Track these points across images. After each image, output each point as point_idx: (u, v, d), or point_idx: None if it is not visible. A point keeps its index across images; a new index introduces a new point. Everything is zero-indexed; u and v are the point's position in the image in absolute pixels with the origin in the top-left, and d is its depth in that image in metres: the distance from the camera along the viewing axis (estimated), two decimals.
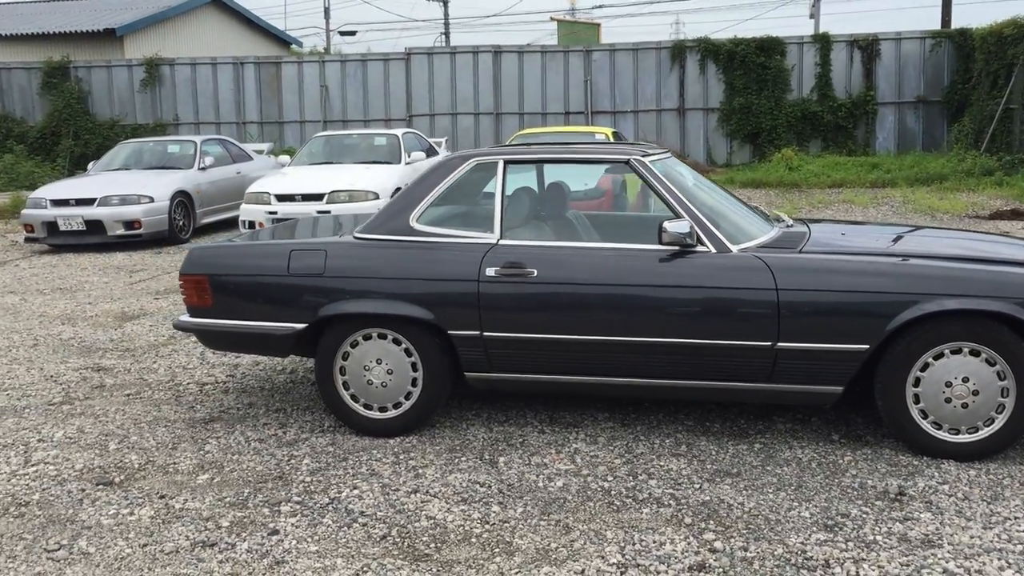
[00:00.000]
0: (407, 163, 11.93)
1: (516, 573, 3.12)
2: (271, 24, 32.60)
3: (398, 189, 11.21)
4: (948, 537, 3.30)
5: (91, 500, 3.81)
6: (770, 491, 3.72)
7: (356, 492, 3.80)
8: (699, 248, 4.12)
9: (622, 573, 3.10)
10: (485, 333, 4.22)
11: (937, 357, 3.93)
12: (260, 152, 14.95)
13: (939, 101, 21.01)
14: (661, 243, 4.08)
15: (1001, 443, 3.93)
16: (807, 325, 3.97)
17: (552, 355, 4.21)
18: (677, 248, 4.12)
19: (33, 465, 4.20)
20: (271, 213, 10.72)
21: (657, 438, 4.32)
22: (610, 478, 3.89)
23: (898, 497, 3.65)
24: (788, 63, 21.10)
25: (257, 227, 10.76)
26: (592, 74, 21.51)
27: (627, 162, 4.36)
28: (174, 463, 4.19)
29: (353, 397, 4.43)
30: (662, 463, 4.03)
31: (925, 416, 3.98)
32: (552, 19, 29.96)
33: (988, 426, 3.94)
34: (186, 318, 4.62)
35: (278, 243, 4.63)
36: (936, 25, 24.58)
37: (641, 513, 3.55)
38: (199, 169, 12.76)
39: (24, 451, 4.37)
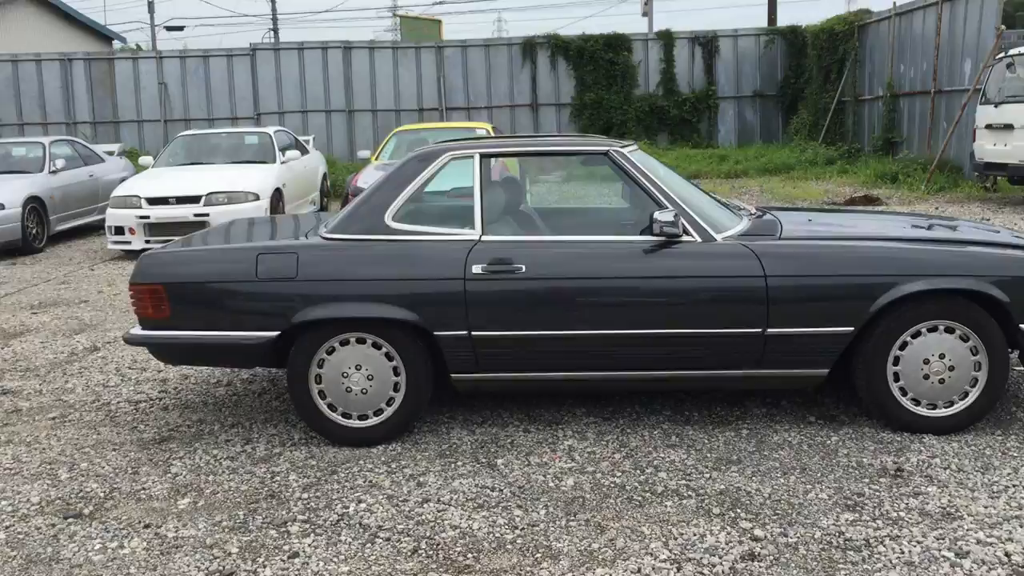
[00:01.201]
0: (282, 162, 11.51)
1: None
2: (92, 19, 30.81)
3: (278, 191, 10.82)
4: (963, 509, 3.42)
5: (68, 536, 3.45)
6: (778, 476, 3.77)
7: (363, 506, 3.60)
8: (685, 238, 4.13)
9: (678, 569, 3.05)
10: (473, 333, 4.08)
11: (915, 336, 4.08)
12: (111, 153, 14.09)
13: (774, 95, 22.06)
14: (653, 234, 4.06)
15: (975, 415, 4.12)
16: (795, 311, 4.04)
17: (542, 352, 4.12)
18: (663, 239, 4.11)
19: None
20: (142, 218, 10.15)
21: (644, 430, 4.31)
22: (618, 473, 3.84)
23: (898, 473, 3.76)
24: (635, 59, 21.65)
25: (128, 233, 10.16)
26: (445, 70, 21.42)
27: (606, 153, 4.32)
28: (143, 488, 3.86)
29: (331, 406, 4.20)
30: (661, 455, 4.02)
31: (904, 393, 4.13)
32: (395, 15, 29.63)
33: (962, 399, 4.12)
34: (138, 331, 4.27)
35: (242, 247, 4.34)
36: (763, 21, 25.76)
37: (665, 507, 3.52)
38: (50, 173, 11.90)
39: None
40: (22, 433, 4.60)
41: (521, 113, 21.45)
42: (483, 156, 4.33)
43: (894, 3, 16.98)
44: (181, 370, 5.59)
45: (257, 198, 10.27)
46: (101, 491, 3.85)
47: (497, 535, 3.34)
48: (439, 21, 32.16)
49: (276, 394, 5.04)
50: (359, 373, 4.16)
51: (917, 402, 4.13)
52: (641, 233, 4.19)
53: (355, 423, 4.21)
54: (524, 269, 4.07)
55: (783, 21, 27.19)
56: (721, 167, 17.85)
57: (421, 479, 3.84)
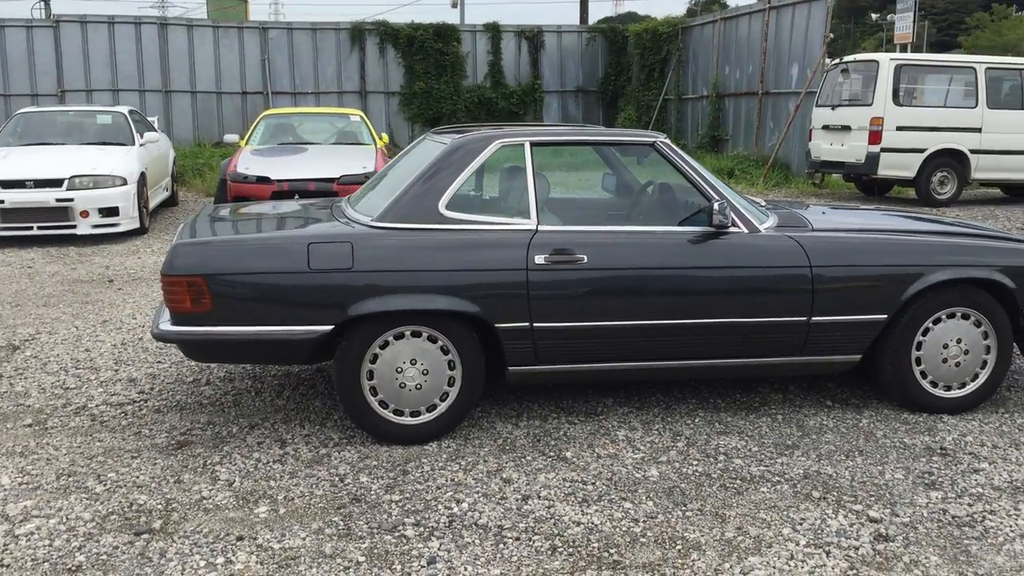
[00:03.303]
0: (141, 144, 10.73)
1: (730, 567, 3.04)
2: None
3: (143, 175, 10.10)
4: None
5: (158, 553, 3.10)
6: (843, 458, 3.93)
7: (465, 505, 3.46)
8: (732, 229, 4.22)
9: (826, 554, 3.13)
10: (535, 324, 4.00)
11: (935, 322, 4.37)
12: None
13: (596, 91, 22.76)
14: (711, 225, 4.13)
15: (983, 395, 4.47)
16: (836, 299, 4.22)
17: (600, 343, 4.09)
18: (713, 229, 4.18)
19: (22, 521, 3.33)
20: None
21: (684, 418, 4.37)
22: (693, 462, 3.88)
23: (944, 451, 4.02)
24: (464, 50, 21.70)
25: None
26: (270, 52, 20.63)
27: (653, 144, 4.34)
28: (204, 498, 3.53)
29: (382, 403, 4.00)
30: (719, 442, 4.10)
31: (924, 376, 4.41)
32: None
33: (973, 381, 4.45)
34: (169, 326, 3.88)
35: (292, 235, 4.04)
36: (574, 19, 26.53)
37: (763, 492, 3.59)
38: None
39: None
40: (6, 443, 4.08)
41: (350, 100, 20.98)
42: (533, 144, 4.24)
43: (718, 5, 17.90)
44: (148, 368, 5.14)
45: (125, 183, 9.53)
46: (156, 503, 3.48)
47: (624, 528, 3.30)
48: (244, 0, 31.01)
49: (275, 391, 4.72)
50: (414, 368, 3.97)
51: (935, 384, 4.42)
52: (681, 224, 4.24)
53: (407, 420, 4.02)
54: (586, 260, 4.03)
55: (592, 17, 28.07)
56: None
57: (503, 475, 3.73)
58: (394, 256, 3.92)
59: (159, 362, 5.28)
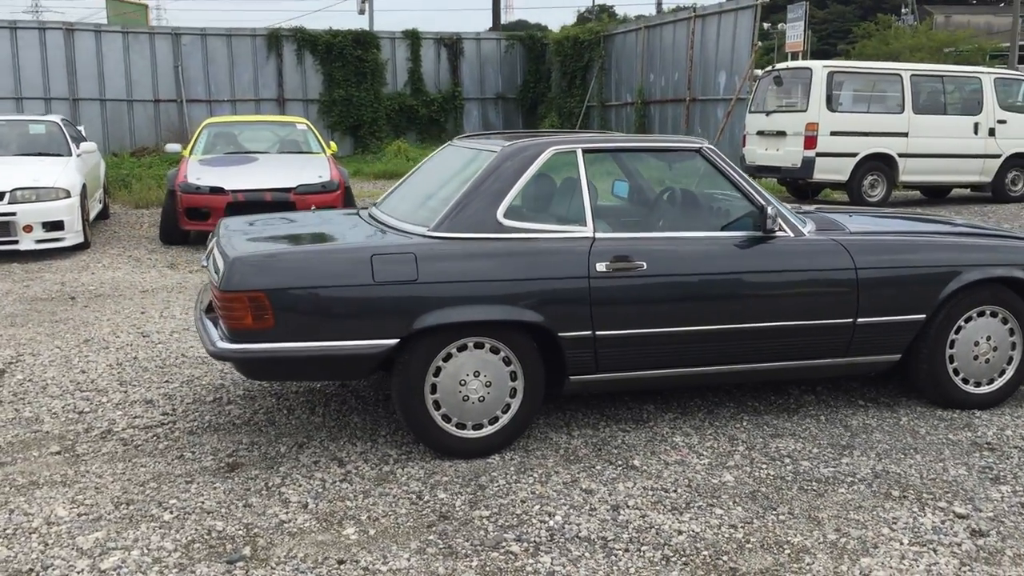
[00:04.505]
0: (78, 155, 10.27)
1: (848, 570, 3.06)
2: None
3: (84, 187, 9.67)
4: None
5: None
6: (902, 456, 4.00)
7: (559, 518, 3.39)
8: (779, 233, 4.26)
9: (934, 551, 3.17)
10: (597, 332, 3.96)
11: (967, 320, 4.50)
12: None
13: (515, 98, 22.85)
14: (763, 230, 4.17)
15: (1008, 391, 4.61)
16: (880, 300, 4.31)
17: (661, 349, 4.08)
18: (761, 234, 4.22)
19: (101, 555, 3.13)
20: None
21: (731, 422, 4.38)
22: (762, 465, 3.89)
23: (991, 446, 4.14)
24: (383, 57, 21.51)
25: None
26: (183, 59, 20.06)
27: (699, 150, 4.35)
28: (285, 521, 3.37)
29: (444, 417, 3.90)
30: (777, 445, 4.12)
31: (957, 373, 4.54)
32: None
33: (1000, 377, 4.60)
34: (229, 345, 3.70)
35: (353, 247, 3.90)
36: (484, 25, 26.58)
37: (842, 494, 3.63)
38: None
39: (44, 538, 3.22)
40: (42, 472, 3.83)
41: (267, 108, 20.57)
42: (585, 151, 4.21)
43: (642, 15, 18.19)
44: (159, 389, 4.90)
45: (68, 195, 9.09)
46: (235, 529, 3.31)
47: (726, 535, 3.29)
48: (145, 6, 30.12)
49: (305, 408, 4.56)
50: (477, 380, 3.89)
51: (966, 381, 4.55)
52: (727, 228, 4.28)
53: (471, 433, 3.93)
54: (645, 266, 4.01)
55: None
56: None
57: (581, 486, 3.67)
58: (457, 266, 3.83)
59: (167, 382, 5.05)
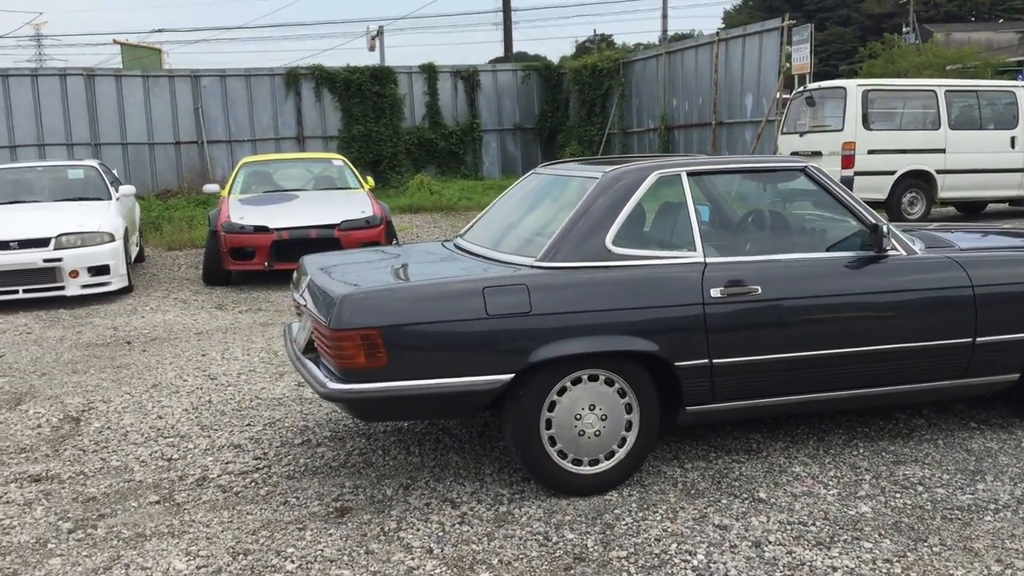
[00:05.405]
0: (118, 198, 10.19)
1: None
2: None
3: (127, 229, 9.59)
4: None
5: None
6: None
7: (700, 557, 3.22)
8: (891, 252, 4.12)
9: None
10: (714, 360, 3.82)
11: None
12: None
13: (533, 128, 22.81)
14: (877, 249, 4.03)
15: None
16: (997, 318, 4.15)
17: (779, 376, 3.93)
18: (873, 253, 4.08)
19: None
20: None
21: (849, 449, 4.22)
22: (895, 495, 3.73)
23: None
24: (401, 92, 21.50)
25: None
26: (203, 100, 20.06)
27: (803, 169, 4.22)
28: (415, 568, 3.20)
29: (560, 453, 3.74)
30: (904, 472, 3.96)
31: None
32: (115, 42, 27.47)
33: None
34: (341, 385, 3.56)
35: (465, 280, 3.77)
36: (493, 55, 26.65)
37: (989, 522, 3.46)
38: None
39: None
40: (146, 523, 3.68)
41: (287, 146, 20.53)
42: (690, 174, 4.08)
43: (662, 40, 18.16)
44: (243, 433, 4.75)
45: (112, 239, 9.00)
46: None
47: (884, 571, 3.12)
48: (159, 50, 30.31)
49: (400, 448, 4.40)
50: (593, 414, 3.74)
51: None
52: (836, 248, 4.13)
53: (587, 469, 3.77)
54: (760, 291, 3.87)
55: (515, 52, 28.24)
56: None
57: (714, 522, 3.51)
58: (569, 297, 3.70)
59: (249, 425, 4.90)
